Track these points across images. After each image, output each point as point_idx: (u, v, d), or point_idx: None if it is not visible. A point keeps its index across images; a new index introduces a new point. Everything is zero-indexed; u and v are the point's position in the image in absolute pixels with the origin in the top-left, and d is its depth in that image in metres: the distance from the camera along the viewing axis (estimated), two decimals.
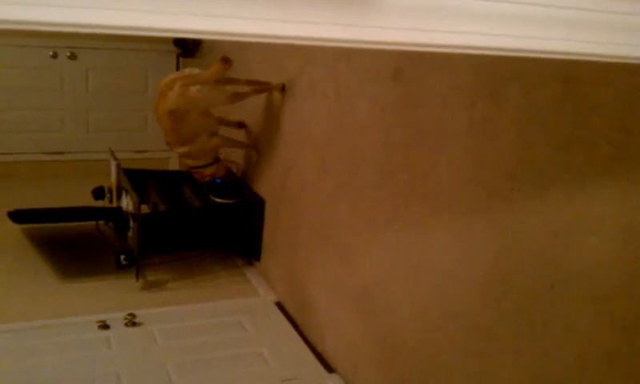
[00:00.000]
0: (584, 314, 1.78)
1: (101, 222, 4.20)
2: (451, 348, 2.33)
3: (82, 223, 4.24)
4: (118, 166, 4.18)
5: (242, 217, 4.03)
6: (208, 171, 4.00)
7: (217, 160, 4.04)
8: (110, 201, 4.31)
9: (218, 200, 4.01)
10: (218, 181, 4.16)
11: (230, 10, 0.82)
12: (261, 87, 3.89)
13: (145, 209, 4.09)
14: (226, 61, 3.44)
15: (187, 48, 5.45)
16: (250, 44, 4.08)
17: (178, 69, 5.38)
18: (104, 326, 3.30)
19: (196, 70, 3.68)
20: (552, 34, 0.99)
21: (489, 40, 0.97)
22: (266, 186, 3.97)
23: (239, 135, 4.33)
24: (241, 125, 4.32)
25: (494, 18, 0.96)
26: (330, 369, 3.15)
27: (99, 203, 4.34)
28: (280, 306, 3.73)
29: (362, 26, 0.89)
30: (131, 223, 3.81)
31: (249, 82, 3.86)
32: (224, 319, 3.54)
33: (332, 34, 0.89)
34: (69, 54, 5.25)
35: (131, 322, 3.36)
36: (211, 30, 0.83)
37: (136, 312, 3.43)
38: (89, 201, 4.31)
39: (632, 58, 1.06)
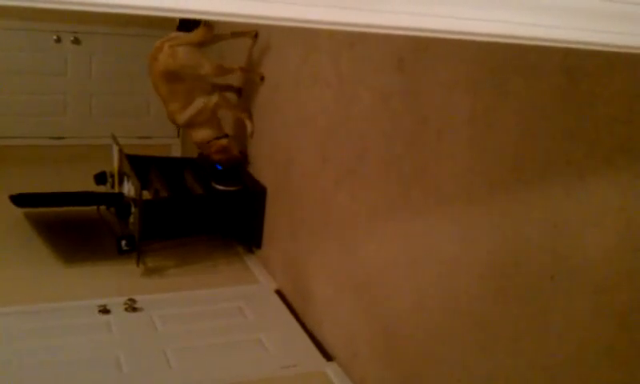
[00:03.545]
0: (583, 306, 1.78)
1: (102, 207, 4.20)
2: (451, 337, 2.33)
3: (84, 208, 4.25)
4: (121, 151, 4.18)
5: (244, 204, 4.03)
6: (223, 143, 4.11)
7: (226, 135, 4.15)
8: (112, 186, 4.32)
9: (220, 187, 4.02)
10: (220, 167, 4.17)
11: None
12: (245, 69, 4.14)
13: (146, 195, 4.09)
14: (209, 25, 3.87)
15: None
16: (253, 31, 4.09)
17: None
18: (104, 310, 3.31)
19: (182, 34, 3.95)
20: (559, 23, 0.98)
21: (495, 27, 0.96)
22: (267, 174, 3.97)
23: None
24: (239, 91, 4.36)
25: (503, 5, 0.95)
26: (328, 357, 3.16)
27: (101, 188, 4.34)
28: (280, 293, 3.74)
29: (365, 10, 0.89)
30: (133, 209, 3.82)
31: (241, 69, 4.16)
32: (224, 306, 3.55)
33: (335, 18, 0.89)
34: (73, 38, 5.24)
35: (131, 307, 3.37)
36: (209, 11, 0.82)
37: (136, 297, 3.44)
38: (91, 186, 4.32)
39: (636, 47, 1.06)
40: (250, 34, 4.11)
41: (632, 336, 1.66)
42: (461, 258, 2.26)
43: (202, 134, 4.10)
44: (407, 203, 2.57)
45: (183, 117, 4.01)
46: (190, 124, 4.08)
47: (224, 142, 4.12)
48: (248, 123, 4.15)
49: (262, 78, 3.98)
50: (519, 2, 0.96)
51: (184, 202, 4.10)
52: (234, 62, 4.22)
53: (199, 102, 3.99)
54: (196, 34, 3.88)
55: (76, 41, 5.27)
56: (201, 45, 3.94)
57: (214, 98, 4.05)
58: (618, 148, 1.67)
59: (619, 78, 1.66)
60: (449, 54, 2.29)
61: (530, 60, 1.94)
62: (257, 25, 3.92)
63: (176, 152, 5.85)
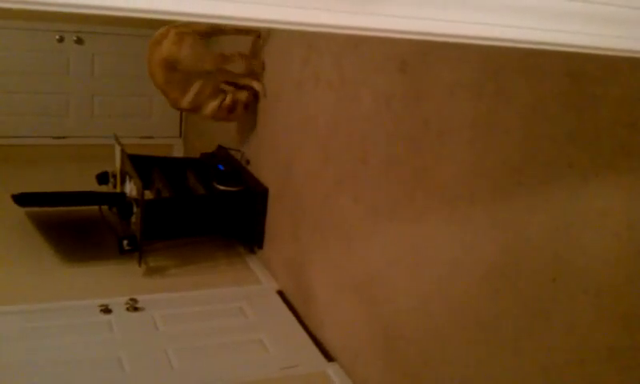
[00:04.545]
0: (585, 308, 1.78)
1: (104, 207, 4.20)
2: (452, 339, 2.34)
3: (86, 208, 4.25)
4: (123, 151, 4.18)
5: (246, 205, 4.03)
6: (228, 101, 4.07)
7: (223, 92, 4.12)
8: (114, 186, 4.32)
9: (222, 188, 4.02)
10: (222, 167, 4.17)
11: None
12: (246, 55, 4.09)
13: (148, 195, 4.10)
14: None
15: None
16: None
17: None
18: (106, 310, 3.32)
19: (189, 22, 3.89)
20: (562, 27, 0.98)
21: (497, 31, 0.96)
22: (269, 174, 3.98)
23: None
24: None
25: (505, 9, 0.96)
26: (329, 357, 3.16)
27: (103, 188, 4.35)
28: (281, 294, 3.74)
29: (370, 14, 0.89)
30: (135, 209, 3.83)
31: (241, 55, 4.10)
32: (225, 306, 3.55)
33: (340, 21, 0.89)
34: (75, 38, 5.25)
35: (133, 306, 3.38)
36: (211, 14, 0.83)
37: (138, 297, 3.45)
38: (93, 185, 4.32)
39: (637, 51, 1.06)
40: (254, 33, 4.10)
41: (633, 338, 1.66)
42: (462, 259, 2.26)
43: (209, 108, 4.09)
44: (409, 205, 2.57)
45: (186, 101, 4.01)
46: (195, 106, 4.08)
47: (228, 100, 4.08)
48: (256, 85, 4.09)
49: (264, 66, 3.97)
50: (519, 6, 0.96)
51: (186, 202, 4.11)
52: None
53: (198, 84, 3.98)
54: (205, 24, 3.86)
55: (79, 41, 5.27)
56: (206, 36, 3.92)
57: (212, 78, 4.04)
58: (620, 151, 1.67)
59: (621, 82, 1.66)
60: (451, 57, 2.30)
61: (532, 63, 1.94)
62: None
63: (178, 152, 5.85)
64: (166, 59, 3.84)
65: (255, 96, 4.15)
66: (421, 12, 0.90)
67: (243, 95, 4.12)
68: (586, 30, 0.99)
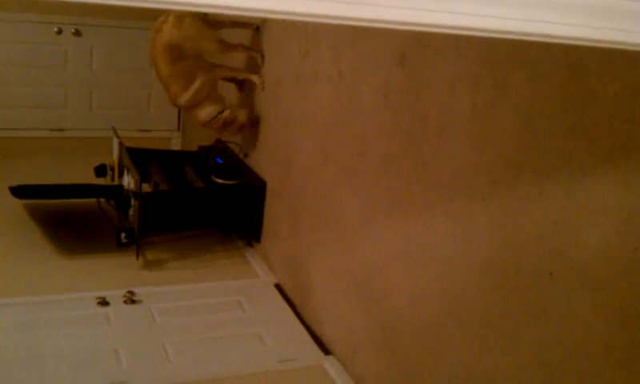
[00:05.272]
0: (582, 303, 1.78)
1: (102, 200, 4.20)
2: (450, 334, 2.34)
3: (84, 200, 4.24)
4: (121, 144, 4.18)
5: (244, 198, 4.03)
6: (226, 114, 4.04)
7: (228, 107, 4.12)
8: (112, 179, 4.31)
9: (220, 181, 4.02)
10: (220, 160, 4.16)
11: None
12: (247, 46, 4.11)
13: (146, 188, 4.09)
14: None
15: None
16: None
17: None
18: (103, 302, 3.32)
19: None
20: (559, 19, 0.98)
21: (498, 23, 0.96)
22: (268, 168, 3.97)
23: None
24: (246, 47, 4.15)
25: (507, 1, 0.95)
26: (326, 351, 3.17)
27: (101, 181, 4.34)
28: (279, 287, 3.75)
29: (367, 5, 0.89)
30: (132, 202, 3.82)
31: (244, 47, 4.10)
32: (223, 299, 3.55)
33: (337, 12, 0.89)
34: (73, 30, 5.23)
35: (130, 299, 3.38)
36: (208, 3, 0.82)
37: (135, 290, 3.45)
38: (91, 178, 4.31)
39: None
40: (252, 26, 4.09)
41: (630, 333, 1.66)
42: (460, 254, 2.26)
43: (205, 112, 4.05)
44: (407, 200, 2.57)
45: (185, 97, 3.97)
46: (193, 104, 4.04)
47: (226, 114, 4.05)
48: (254, 78, 4.07)
49: (263, 56, 3.97)
50: None
51: (184, 195, 4.10)
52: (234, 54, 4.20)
53: (199, 81, 3.97)
54: None
55: (77, 33, 5.26)
56: (205, 20, 3.92)
57: (213, 72, 4.04)
58: (619, 146, 1.67)
59: (620, 76, 1.66)
60: (450, 50, 2.29)
61: (530, 56, 1.93)
62: (257, 18, 3.93)
63: (176, 145, 5.85)
64: (170, 44, 3.81)
65: (254, 122, 4.13)
66: (422, 3, 0.90)
67: (243, 115, 4.08)
68: (591, 23, 0.99)
